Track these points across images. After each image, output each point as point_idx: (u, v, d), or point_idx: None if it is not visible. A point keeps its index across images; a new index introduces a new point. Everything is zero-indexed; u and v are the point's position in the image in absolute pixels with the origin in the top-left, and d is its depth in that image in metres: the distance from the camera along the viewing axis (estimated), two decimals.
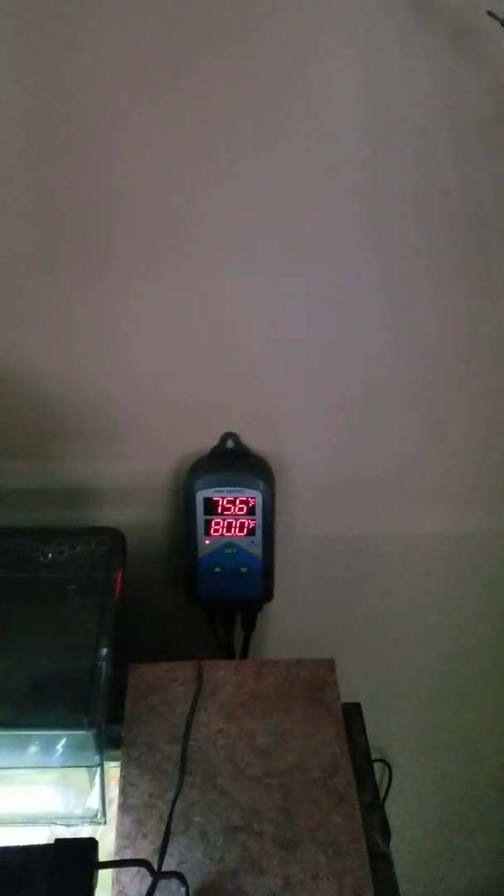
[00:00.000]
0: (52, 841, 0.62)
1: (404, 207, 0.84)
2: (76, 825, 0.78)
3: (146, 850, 0.70)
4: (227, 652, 1.09)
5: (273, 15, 0.74)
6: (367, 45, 0.75)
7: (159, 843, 0.69)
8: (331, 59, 0.76)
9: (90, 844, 0.62)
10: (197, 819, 0.72)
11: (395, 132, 0.80)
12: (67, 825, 0.79)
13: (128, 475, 0.99)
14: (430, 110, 0.78)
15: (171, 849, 0.70)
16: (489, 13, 0.66)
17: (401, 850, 1.34)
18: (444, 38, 0.74)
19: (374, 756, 1.24)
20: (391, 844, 1.26)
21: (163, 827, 0.71)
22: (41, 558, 0.87)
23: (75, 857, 0.61)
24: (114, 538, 0.90)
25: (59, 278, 0.86)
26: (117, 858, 0.69)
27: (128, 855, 0.70)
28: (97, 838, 0.78)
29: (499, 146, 0.80)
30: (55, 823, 0.79)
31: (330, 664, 0.86)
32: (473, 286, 0.90)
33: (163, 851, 0.68)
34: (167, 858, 0.69)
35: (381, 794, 1.30)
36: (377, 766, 1.27)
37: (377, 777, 1.28)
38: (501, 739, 1.29)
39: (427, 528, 1.08)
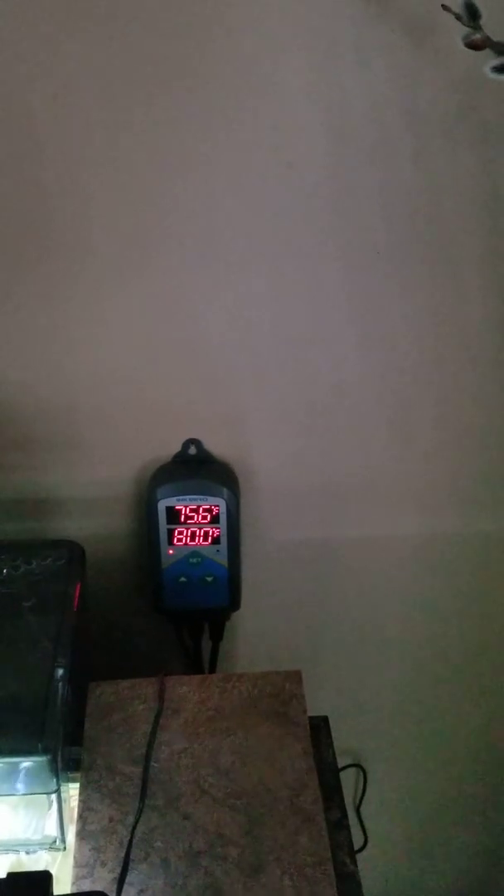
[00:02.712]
0: (10, 870, 0.60)
1: (365, 205, 0.83)
2: (35, 852, 0.76)
3: (105, 878, 0.68)
4: (195, 663, 1.07)
5: (225, 8, 0.71)
6: (322, 38, 0.73)
7: (119, 871, 0.67)
8: (285, 54, 0.74)
9: (43, 877, 0.59)
10: (158, 844, 0.70)
11: (353, 127, 0.78)
12: (27, 852, 0.76)
13: (87, 484, 0.96)
14: (387, 105, 0.76)
15: (131, 877, 0.67)
16: (443, 7, 0.64)
17: (376, 855, 1.33)
18: (400, 32, 0.72)
19: (347, 761, 1.23)
20: (366, 849, 1.26)
21: (122, 854, 0.68)
22: None
23: (28, 892, 0.59)
24: (72, 551, 0.87)
25: (14, 281, 0.83)
26: (74, 891, 0.66)
27: (86, 885, 0.67)
28: (58, 864, 0.77)
29: (458, 141, 0.78)
30: (14, 850, 0.76)
31: (297, 676, 0.84)
32: (439, 284, 0.88)
33: (121, 881, 0.66)
34: (126, 887, 0.66)
35: (357, 799, 1.28)
36: (351, 772, 1.26)
37: (352, 782, 1.27)
38: (476, 740, 1.27)
39: (397, 531, 1.06)
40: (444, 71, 0.74)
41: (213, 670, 1.07)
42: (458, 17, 0.63)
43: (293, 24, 0.73)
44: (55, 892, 0.59)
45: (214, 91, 0.75)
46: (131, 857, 0.68)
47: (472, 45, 0.64)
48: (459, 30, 0.64)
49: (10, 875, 0.59)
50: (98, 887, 0.67)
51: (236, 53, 0.74)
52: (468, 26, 0.63)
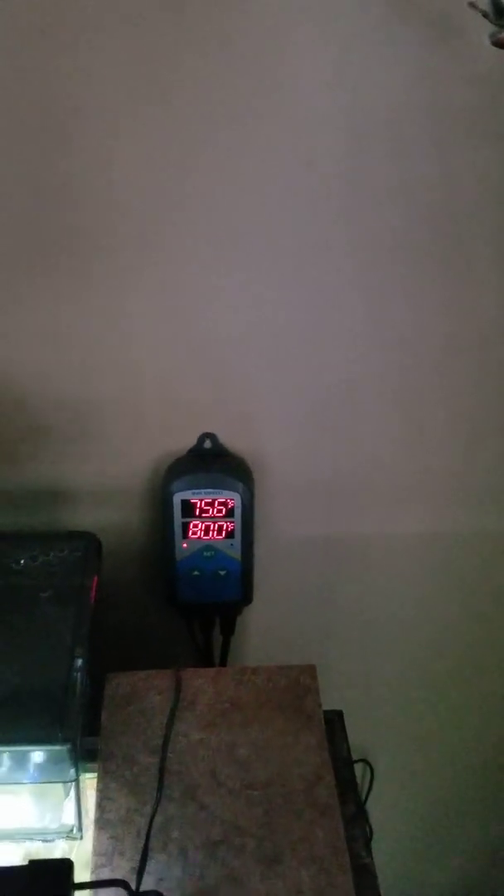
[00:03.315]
0: (26, 860, 0.60)
1: (384, 200, 0.83)
2: (52, 840, 0.76)
3: (124, 867, 0.68)
4: (206, 657, 1.07)
5: (246, 5, 0.71)
6: (344, 35, 0.73)
7: (137, 860, 0.67)
8: (306, 50, 0.74)
9: (65, 865, 0.60)
10: (176, 834, 0.70)
11: (372, 124, 0.78)
12: (44, 840, 0.76)
13: (103, 477, 0.96)
14: (407, 101, 0.76)
15: (149, 866, 0.68)
16: (470, 4, 0.64)
17: (382, 850, 1.33)
18: (421, 28, 0.72)
19: (354, 756, 1.23)
20: (372, 844, 1.26)
21: (141, 843, 0.69)
22: (13, 565, 0.84)
23: (50, 880, 0.59)
24: (89, 543, 0.87)
25: (36, 277, 0.83)
26: (94, 878, 0.67)
27: (105, 874, 0.68)
28: (74, 853, 0.77)
29: (476, 138, 0.78)
30: (31, 839, 0.77)
31: (311, 671, 0.85)
32: (452, 280, 0.89)
33: (141, 870, 0.66)
34: (146, 876, 0.67)
35: (363, 795, 1.29)
36: (358, 767, 1.26)
37: (359, 777, 1.27)
38: (482, 737, 1.28)
39: (409, 527, 1.06)
40: (463, 68, 0.74)
41: (223, 664, 1.08)
42: (484, 15, 0.63)
43: (315, 22, 0.73)
44: (76, 882, 0.59)
45: (236, 89, 0.75)
46: (150, 846, 0.69)
47: (500, 44, 0.64)
48: (486, 27, 0.64)
49: (33, 862, 0.60)
50: (117, 876, 0.67)
51: (258, 51, 0.74)
52: (496, 24, 0.64)
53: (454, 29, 0.73)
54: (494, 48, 0.66)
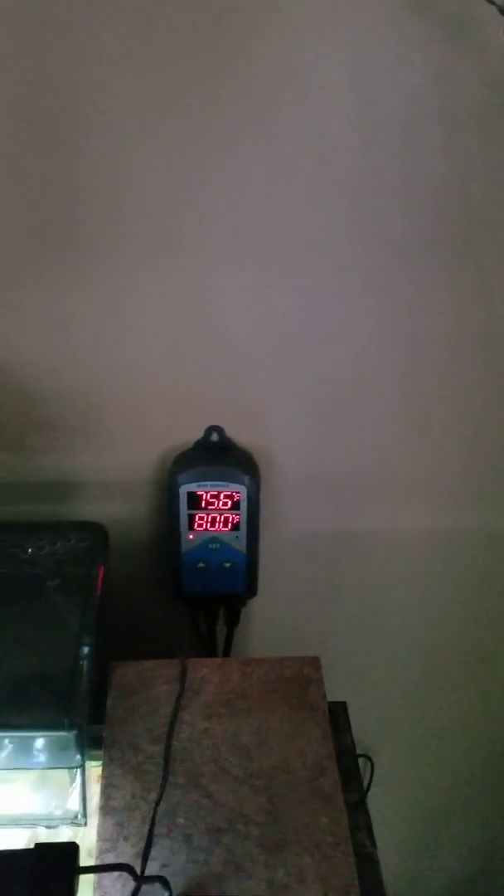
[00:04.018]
0: (31, 844, 0.61)
1: (394, 199, 0.83)
2: (56, 826, 0.77)
3: (128, 853, 0.69)
4: (210, 648, 1.08)
5: (256, 3, 0.72)
6: (359, 32, 0.73)
7: (142, 845, 0.68)
8: (321, 47, 0.74)
9: (71, 849, 0.60)
10: (180, 821, 0.71)
11: (387, 122, 0.78)
12: (48, 826, 0.77)
13: (110, 468, 0.97)
14: (422, 100, 0.76)
15: (154, 852, 0.68)
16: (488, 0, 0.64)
17: (383, 844, 1.34)
18: (438, 26, 0.72)
19: (356, 751, 1.24)
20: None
21: (145, 829, 0.69)
22: (21, 553, 0.85)
23: (56, 863, 0.60)
24: (96, 533, 0.88)
25: (44, 268, 0.83)
26: (99, 863, 0.68)
27: (110, 858, 0.68)
28: (78, 839, 0.78)
29: (492, 138, 0.79)
30: (36, 825, 0.77)
31: (315, 662, 0.85)
32: (463, 280, 0.89)
33: (145, 855, 0.67)
34: (150, 862, 0.67)
35: (364, 789, 1.29)
36: (359, 761, 1.27)
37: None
38: (484, 733, 1.28)
39: (413, 524, 1.07)
40: (478, 66, 0.74)
41: (227, 655, 1.08)
42: (501, 11, 0.64)
43: (328, 19, 0.73)
44: (81, 866, 0.60)
45: (248, 85, 0.75)
46: (154, 832, 0.69)
47: None
48: (501, 22, 0.65)
49: (39, 846, 0.60)
50: (122, 861, 0.68)
51: (271, 47, 0.74)
52: None
53: (468, 27, 0.73)
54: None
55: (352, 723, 0.96)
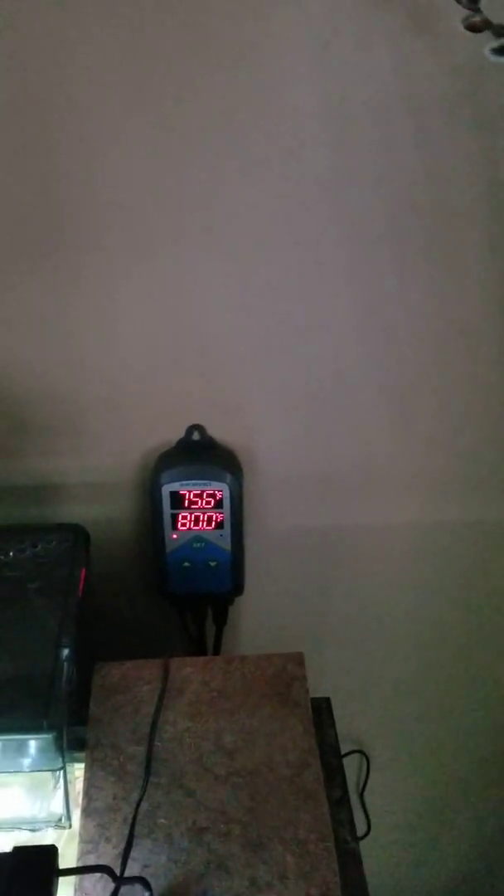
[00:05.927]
0: (12, 848, 0.61)
1: (366, 192, 0.83)
2: (41, 829, 0.77)
3: (110, 854, 0.69)
4: (199, 648, 1.08)
5: None
6: (323, 23, 0.73)
7: (123, 846, 0.68)
8: (286, 40, 0.74)
9: (50, 851, 0.60)
10: (162, 821, 0.71)
11: (354, 114, 0.78)
12: (32, 830, 0.77)
13: (91, 470, 0.97)
14: (388, 91, 0.76)
15: (135, 852, 0.68)
16: None
17: (380, 840, 1.34)
18: (401, 17, 0.72)
19: (350, 747, 1.24)
20: (370, 834, 1.26)
21: (127, 830, 0.69)
22: (1, 556, 0.85)
23: (35, 865, 0.60)
24: (77, 535, 0.88)
25: (25, 270, 0.84)
26: (79, 865, 0.67)
27: (91, 860, 0.68)
28: (63, 842, 0.78)
29: (458, 127, 0.78)
30: (19, 828, 0.77)
31: (299, 658, 0.85)
32: (439, 271, 0.88)
33: (125, 856, 0.67)
34: (131, 863, 0.67)
35: (360, 785, 1.29)
36: (354, 758, 1.27)
37: (355, 768, 1.28)
38: (477, 727, 1.28)
39: (398, 518, 1.06)
40: (444, 57, 0.74)
41: (216, 654, 1.08)
42: (458, 0, 0.63)
43: (294, 10, 0.73)
44: (60, 868, 0.60)
45: (215, 80, 0.75)
46: (135, 833, 0.69)
47: (472, 28, 0.64)
48: (459, 13, 0.64)
49: (17, 848, 0.60)
50: (103, 862, 0.68)
51: (237, 41, 0.73)
52: (468, 8, 0.64)
53: (432, 18, 0.73)
54: (471, 34, 0.66)
55: (345, 719, 0.95)
